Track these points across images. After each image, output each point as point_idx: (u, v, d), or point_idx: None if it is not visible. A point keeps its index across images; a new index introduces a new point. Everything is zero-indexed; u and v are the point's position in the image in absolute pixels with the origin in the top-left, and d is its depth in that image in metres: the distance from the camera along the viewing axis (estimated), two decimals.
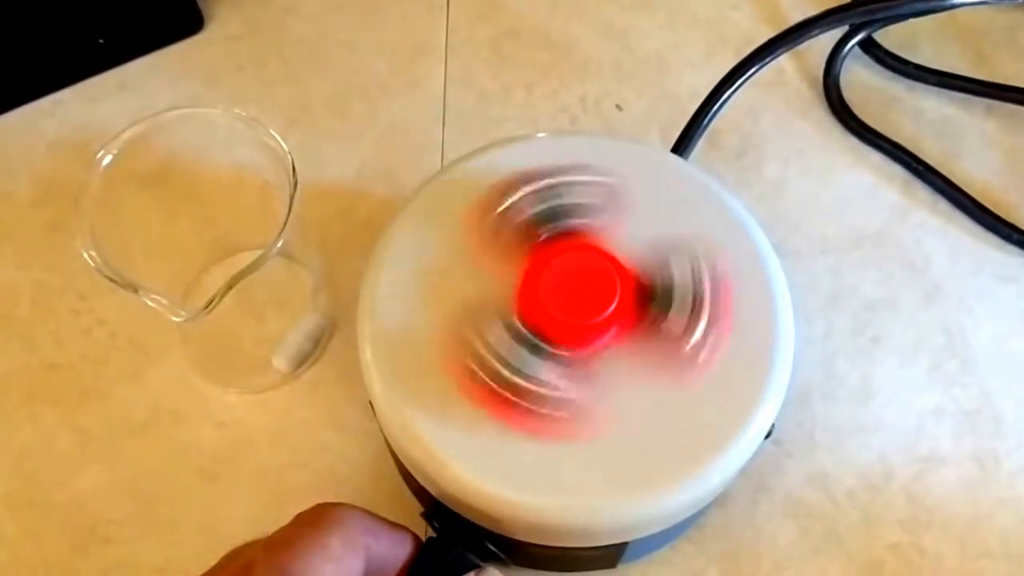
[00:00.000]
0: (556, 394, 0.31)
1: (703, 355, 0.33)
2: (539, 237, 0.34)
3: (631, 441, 0.31)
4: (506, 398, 0.31)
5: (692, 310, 0.33)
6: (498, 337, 0.32)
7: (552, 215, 0.34)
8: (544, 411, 0.31)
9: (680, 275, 0.33)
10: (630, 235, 0.34)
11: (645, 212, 0.35)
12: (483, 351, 0.32)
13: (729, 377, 0.32)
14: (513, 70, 0.50)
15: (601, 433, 0.32)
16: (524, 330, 0.32)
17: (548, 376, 0.32)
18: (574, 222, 0.34)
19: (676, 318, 0.33)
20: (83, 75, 0.49)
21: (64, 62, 0.48)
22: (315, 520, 0.30)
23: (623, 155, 0.37)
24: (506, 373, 0.32)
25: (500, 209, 0.34)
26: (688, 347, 0.32)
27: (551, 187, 0.35)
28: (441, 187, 0.36)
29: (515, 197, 0.34)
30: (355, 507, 0.31)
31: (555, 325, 0.32)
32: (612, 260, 0.33)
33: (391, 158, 0.47)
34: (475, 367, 0.32)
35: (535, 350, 0.32)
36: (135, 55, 0.49)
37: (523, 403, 0.31)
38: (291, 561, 0.28)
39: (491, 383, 0.32)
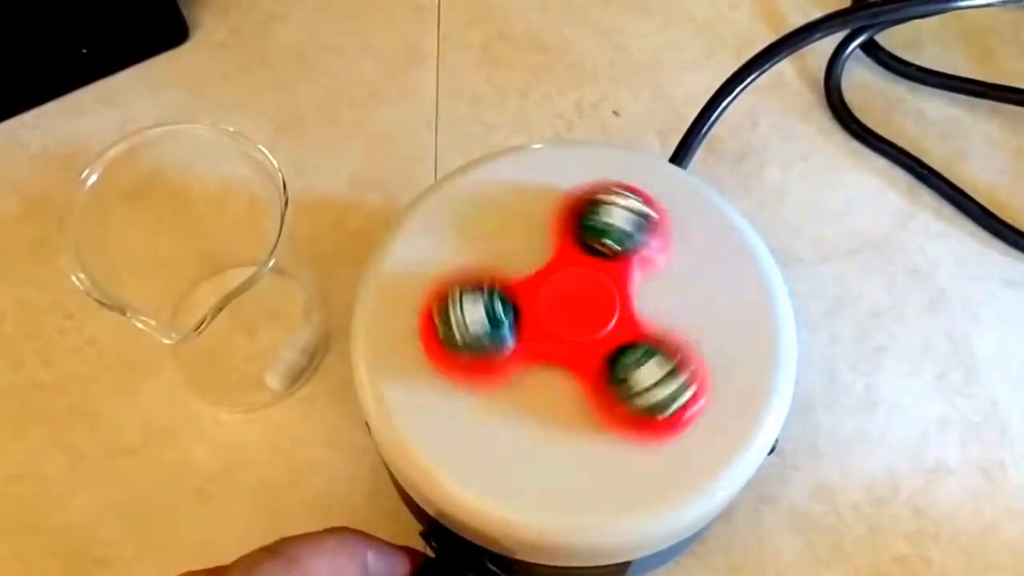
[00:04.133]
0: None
1: (697, 379, 0.32)
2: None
3: (633, 459, 0.31)
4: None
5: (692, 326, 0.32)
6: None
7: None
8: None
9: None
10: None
11: None
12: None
13: (731, 391, 0.32)
14: (506, 75, 0.49)
15: (602, 450, 0.31)
16: (527, 348, 0.32)
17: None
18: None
19: (671, 341, 0.32)
20: (66, 87, 0.48)
21: (47, 74, 0.47)
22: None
23: (619, 165, 0.36)
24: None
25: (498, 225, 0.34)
26: (687, 362, 0.32)
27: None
28: (436, 200, 0.36)
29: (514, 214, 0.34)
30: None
31: (557, 343, 0.32)
32: (610, 276, 0.32)
33: (383, 167, 0.46)
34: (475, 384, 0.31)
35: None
36: (119, 67, 0.48)
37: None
38: (283, 545, 0.29)
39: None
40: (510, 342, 0.31)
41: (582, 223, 0.33)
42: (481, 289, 0.31)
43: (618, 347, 0.31)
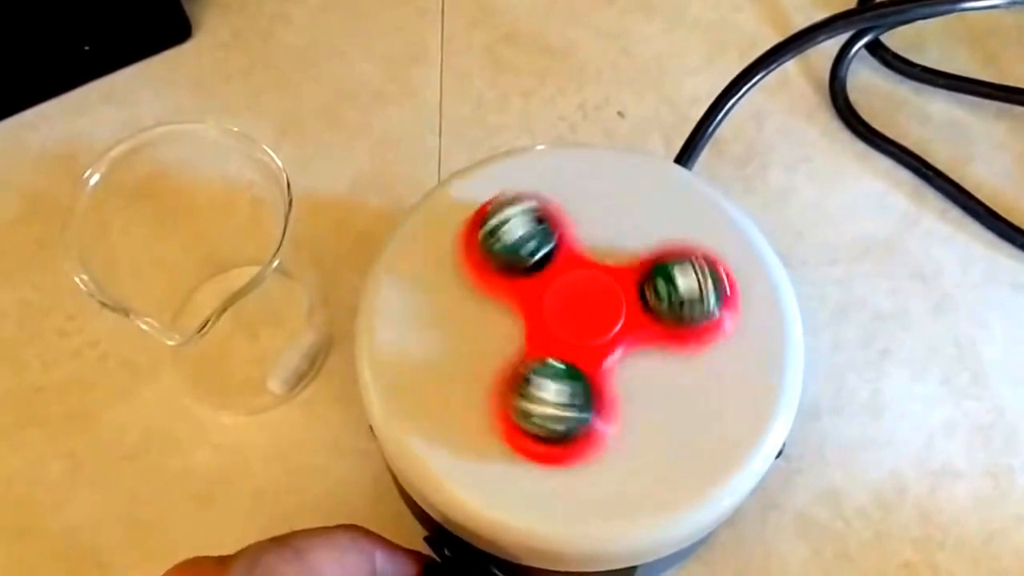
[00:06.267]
0: (563, 414, 0.30)
1: (711, 374, 0.32)
2: (540, 258, 0.33)
3: (639, 464, 0.31)
4: (512, 421, 0.30)
5: (699, 328, 0.32)
6: (503, 360, 0.31)
7: (547, 235, 0.33)
8: (551, 435, 0.30)
9: (687, 290, 0.32)
10: (632, 250, 0.33)
11: (648, 225, 0.34)
12: (488, 375, 0.31)
13: (738, 396, 0.32)
14: (510, 77, 0.49)
15: (608, 456, 0.31)
16: (530, 353, 0.31)
17: (555, 400, 0.31)
18: (574, 241, 0.33)
19: (683, 336, 0.32)
20: (68, 86, 0.48)
21: (48, 73, 0.47)
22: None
23: (624, 167, 0.36)
24: (511, 397, 0.31)
25: (494, 229, 0.33)
26: (696, 366, 0.32)
27: (547, 206, 0.34)
28: (440, 203, 0.35)
29: (509, 217, 0.33)
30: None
31: (563, 348, 0.31)
32: (615, 277, 0.32)
33: (386, 169, 0.46)
34: (481, 391, 0.31)
35: (541, 374, 0.31)
36: (121, 65, 0.48)
37: (529, 427, 0.30)
38: (292, 537, 0.28)
39: (497, 407, 0.31)
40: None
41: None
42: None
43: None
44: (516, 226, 0.32)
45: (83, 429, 0.40)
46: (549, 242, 0.32)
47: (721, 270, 0.32)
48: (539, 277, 0.32)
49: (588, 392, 0.30)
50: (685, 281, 0.31)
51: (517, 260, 0.32)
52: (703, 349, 0.32)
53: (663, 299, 0.31)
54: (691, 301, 0.31)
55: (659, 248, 0.33)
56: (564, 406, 0.30)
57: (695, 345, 0.32)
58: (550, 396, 0.29)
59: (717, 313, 0.32)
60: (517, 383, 0.30)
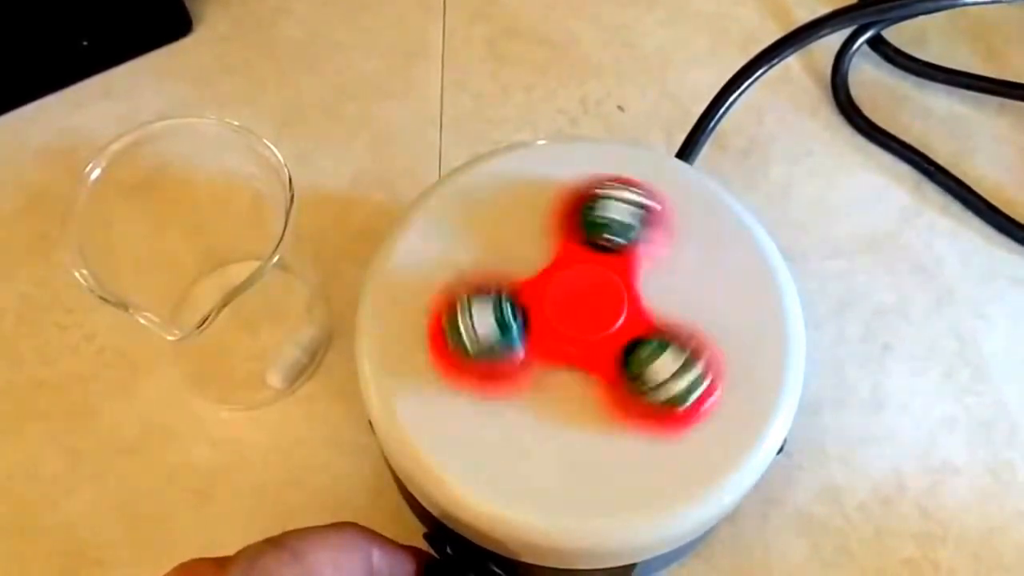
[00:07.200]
0: None
1: (712, 369, 0.31)
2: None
3: (640, 460, 0.30)
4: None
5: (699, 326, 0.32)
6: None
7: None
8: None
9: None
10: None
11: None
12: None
13: (739, 392, 0.31)
14: (511, 70, 0.49)
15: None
16: (536, 351, 0.31)
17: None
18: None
19: (683, 333, 0.32)
20: (68, 80, 0.47)
21: (48, 66, 0.47)
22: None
23: (625, 161, 0.36)
24: None
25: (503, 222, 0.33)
26: (701, 352, 0.31)
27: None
28: (441, 197, 0.35)
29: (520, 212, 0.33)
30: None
31: (567, 342, 0.31)
32: (616, 271, 0.32)
33: (386, 163, 0.46)
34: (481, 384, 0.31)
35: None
36: (122, 59, 0.48)
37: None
38: (288, 538, 0.28)
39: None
40: (520, 347, 0.31)
41: (583, 219, 0.33)
42: (489, 293, 0.31)
43: (630, 341, 0.31)
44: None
45: (82, 424, 0.40)
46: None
47: None
48: (538, 276, 0.32)
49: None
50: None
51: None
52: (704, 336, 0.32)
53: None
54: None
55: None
56: None
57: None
58: None
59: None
60: None
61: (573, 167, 0.35)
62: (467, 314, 0.30)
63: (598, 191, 0.33)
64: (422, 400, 0.31)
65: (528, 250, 0.33)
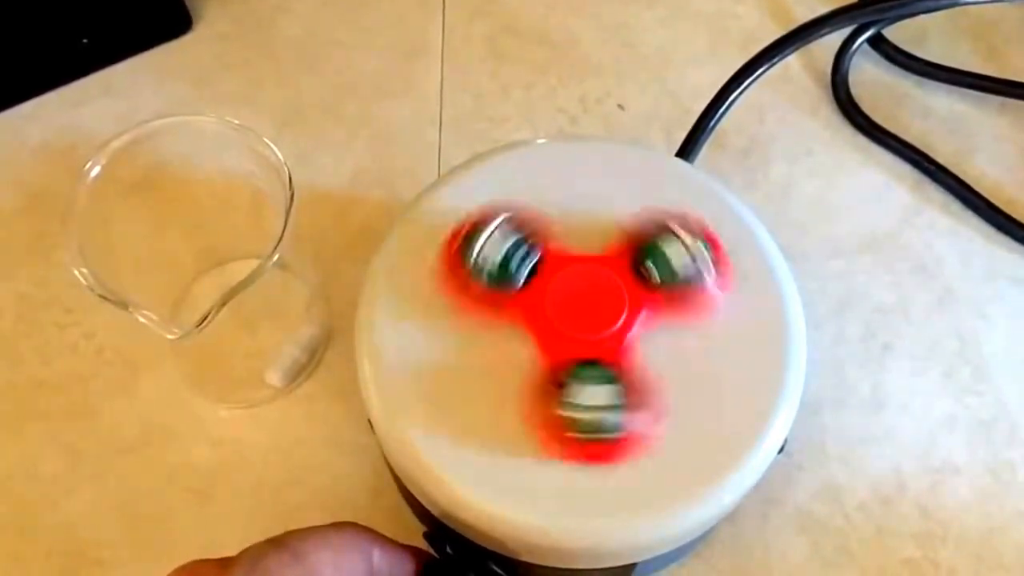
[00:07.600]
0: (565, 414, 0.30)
1: (711, 371, 0.32)
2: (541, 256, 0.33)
3: (640, 461, 0.30)
4: (551, 421, 0.30)
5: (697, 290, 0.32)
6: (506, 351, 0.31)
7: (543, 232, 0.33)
8: (552, 431, 0.30)
9: (687, 279, 0.32)
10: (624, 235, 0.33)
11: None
12: (490, 366, 0.31)
13: (740, 390, 0.31)
14: (511, 69, 0.49)
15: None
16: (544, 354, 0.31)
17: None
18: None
19: (683, 331, 0.32)
20: (67, 78, 0.47)
21: (47, 64, 0.47)
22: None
23: (625, 160, 0.36)
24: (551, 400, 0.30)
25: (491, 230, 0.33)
26: (696, 363, 0.31)
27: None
28: (440, 196, 0.35)
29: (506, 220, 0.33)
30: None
31: (566, 341, 0.31)
32: (616, 271, 0.32)
33: (386, 161, 0.46)
34: (481, 383, 0.31)
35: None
36: (121, 56, 0.48)
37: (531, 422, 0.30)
38: (289, 538, 0.28)
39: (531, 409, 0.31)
40: (522, 276, 0.32)
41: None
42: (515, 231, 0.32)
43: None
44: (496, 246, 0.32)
45: (81, 423, 0.40)
46: (534, 255, 0.32)
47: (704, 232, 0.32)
48: (538, 275, 0.32)
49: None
50: (673, 250, 0.32)
51: (507, 280, 0.32)
52: (707, 317, 0.32)
53: (657, 268, 0.32)
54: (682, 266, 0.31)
55: (641, 224, 0.33)
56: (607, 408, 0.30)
57: (701, 311, 0.32)
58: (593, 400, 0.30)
59: (710, 271, 0.32)
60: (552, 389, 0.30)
61: (572, 166, 0.35)
62: (488, 235, 0.32)
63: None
64: (422, 401, 0.31)
65: None
